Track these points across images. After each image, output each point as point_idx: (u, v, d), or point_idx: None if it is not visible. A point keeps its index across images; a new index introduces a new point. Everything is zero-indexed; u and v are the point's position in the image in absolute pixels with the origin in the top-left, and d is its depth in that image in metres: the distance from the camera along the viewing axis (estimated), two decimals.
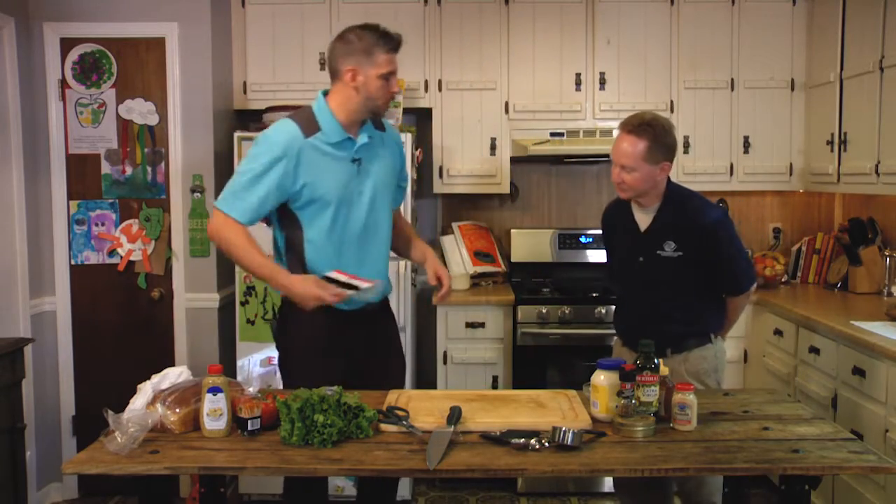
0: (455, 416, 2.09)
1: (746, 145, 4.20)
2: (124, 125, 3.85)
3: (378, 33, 2.51)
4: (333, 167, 2.48)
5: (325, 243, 2.51)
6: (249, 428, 2.06)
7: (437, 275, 2.68)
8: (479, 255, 4.30)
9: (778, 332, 3.67)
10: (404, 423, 2.09)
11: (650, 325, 2.65)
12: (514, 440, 1.99)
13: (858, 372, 2.97)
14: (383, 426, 2.10)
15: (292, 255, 2.56)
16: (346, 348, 2.58)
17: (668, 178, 2.71)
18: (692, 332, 2.70)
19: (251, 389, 2.18)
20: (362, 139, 2.52)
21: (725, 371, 2.83)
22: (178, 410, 2.09)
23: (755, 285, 2.80)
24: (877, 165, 3.49)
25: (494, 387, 3.87)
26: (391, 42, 2.51)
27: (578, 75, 4.16)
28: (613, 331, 3.82)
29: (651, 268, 2.69)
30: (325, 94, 2.55)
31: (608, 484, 3.86)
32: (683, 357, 2.68)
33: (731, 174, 4.20)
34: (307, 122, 2.48)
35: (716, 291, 2.74)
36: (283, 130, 2.47)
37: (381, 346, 2.70)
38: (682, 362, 2.67)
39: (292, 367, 2.62)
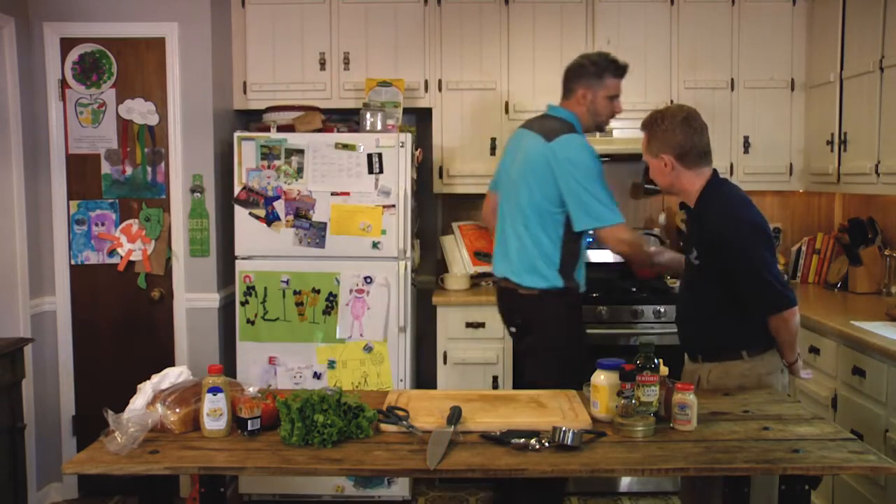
0: (455, 416, 2.09)
1: (746, 145, 4.20)
2: (124, 125, 3.85)
3: (608, 60, 2.99)
4: None
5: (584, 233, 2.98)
6: (249, 428, 2.06)
7: None
8: (479, 255, 4.30)
9: None
10: (404, 423, 2.09)
11: (683, 327, 2.66)
12: (514, 440, 1.99)
13: (858, 372, 2.97)
14: (383, 426, 2.10)
15: (575, 243, 2.98)
16: None
17: (712, 178, 2.53)
18: (721, 343, 2.54)
19: (251, 389, 2.18)
20: None
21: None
22: (178, 410, 2.09)
23: (794, 309, 2.43)
24: (877, 165, 3.49)
25: (494, 387, 3.87)
26: (619, 69, 2.99)
27: None
28: (614, 331, 3.86)
29: (687, 271, 2.66)
30: (553, 107, 3.08)
31: (609, 484, 3.86)
32: (709, 368, 2.56)
33: (731, 174, 4.19)
34: (575, 130, 2.97)
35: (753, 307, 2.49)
36: (585, 142, 2.96)
37: None
38: (706, 372, 2.57)
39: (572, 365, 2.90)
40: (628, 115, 4.12)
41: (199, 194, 3.85)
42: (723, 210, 2.46)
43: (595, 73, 2.97)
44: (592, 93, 2.98)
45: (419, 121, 4.39)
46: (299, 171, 3.66)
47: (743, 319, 2.50)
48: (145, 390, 2.17)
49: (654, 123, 2.54)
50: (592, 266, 4.36)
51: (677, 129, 2.49)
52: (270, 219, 3.68)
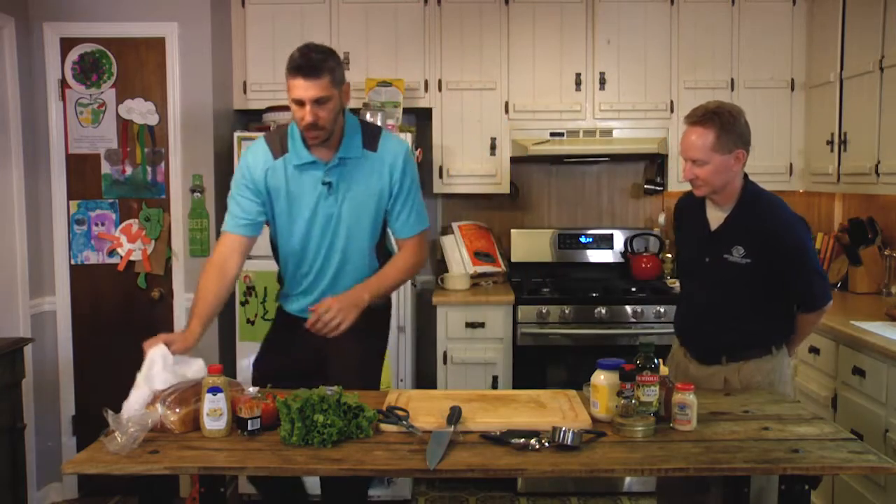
0: (455, 416, 2.09)
1: None
2: (124, 125, 3.85)
3: (290, 57, 2.41)
4: (300, 188, 2.53)
5: (288, 256, 2.64)
6: (249, 428, 2.06)
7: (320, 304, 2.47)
8: (479, 255, 4.30)
9: None
10: (404, 423, 2.09)
11: (707, 328, 2.56)
12: (514, 440, 1.99)
13: (858, 372, 2.97)
14: (383, 426, 2.10)
15: (277, 257, 2.72)
16: None
17: (747, 177, 2.56)
18: (751, 342, 2.54)
19: (251, 389, 2.18)
20: (332, 161, 2.51)
21: (790, 385, 2.63)
22: (178, 410, 2.09)
23: (830, 303, 2.57)
24: (877, 165, 3.49)
25: (494, 387, 3.87)
26: (292, 65, 2.39)
27: (578, 75, 4.16)
28: (614, 331, 3.86)
29: (716, 271, 2.53)
30: None
31: (609, 484, 3.86)
32: (738, 367, 2.55)
33: None
34: (279, 143, 2.54)
35: (785, 303, 2.56)
36: (252, 152, 2.58)
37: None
38: (735, 372, 2.55)
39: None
40: (628, 115, 4.17)
41: (199, 194, 3.85)
42: (783, 211, 2.51)
43: (285, 70, 2.42)
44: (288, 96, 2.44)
45: (419, 121, 4.39)
46: None
47: (775, 316, 2.55)
48: (138, 383, 2.17)
49: (731, 117, 2.45)
50: (590, 266, 4.40)
51: (747, 127, 2.49)
52: None
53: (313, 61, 2.36)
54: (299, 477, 2.70)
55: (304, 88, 2.36)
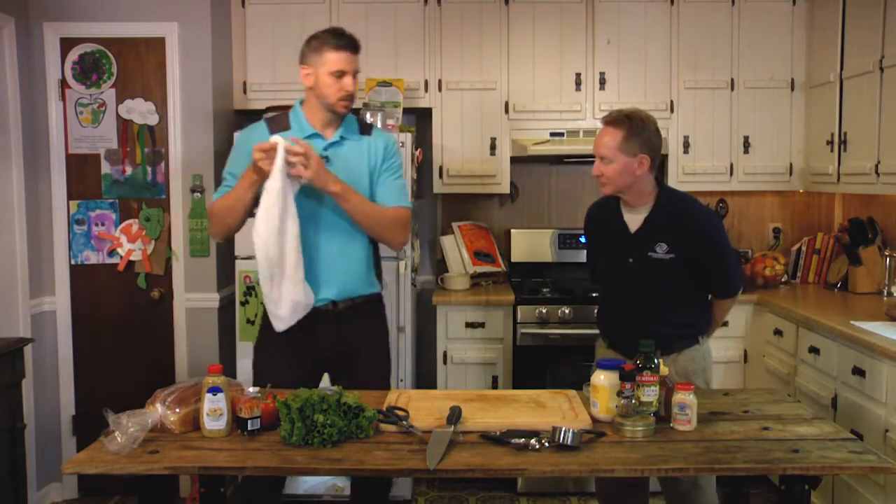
0: (455, 416, 2.09)
1: (746, 145, 4.20)
2: (124, 125, 3.85)
3: (328, 34, 2.66)
4: None
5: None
6: (249, 428, 2.07)
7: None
8: (478, 255, 4.30)
9: (778, 332, 3.67)
10: (404, 423, 2.09)
11: (638, 326, 2.61)
12: (514, 440, 1.99)
13: (858, 372, 2.98)
14: (383, 426, 2.11)
15: None
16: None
17: (660, 181, 2.71)
18: (681, 333, 2.68)
19: (251, 389, 2.18)
20: (334, 138, 2.69)
21: (714, 371, 2.85)
22: (178, 410, 2.09)
23: (742, 288, 2.82)
24: (877, 165, 3.49)
25: (494, 387, 3.87)
26: (339, 40, 2.63)
27: (578, 75, 4.16)
28: None
29: (641, 269, 2.66)
30: (302, 102, 2.77)
31: None
32: (673, 359, 2.65)
33: (731, 174, 4.20)
34: (278, 122, 2.73)
35: (704, 293, 2.76)
36: (248, 129, 2.81)
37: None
38: (671, 363, 2.62)
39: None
40: None
41: (199, 194, 3.85)
42: (698, 206, 2.72)
43: (314, 48, 2.64)
44: (314, 72, 2.64)
45: (419, 121, 4.39)
46: None
47: (698, 307, 2.74)
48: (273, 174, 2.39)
49: (641, 123, 2.61)
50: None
51: (656, 136, 2.65)
52: None
53: (355, 39, 2.67)
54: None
55: (350, 62, 2.64)
